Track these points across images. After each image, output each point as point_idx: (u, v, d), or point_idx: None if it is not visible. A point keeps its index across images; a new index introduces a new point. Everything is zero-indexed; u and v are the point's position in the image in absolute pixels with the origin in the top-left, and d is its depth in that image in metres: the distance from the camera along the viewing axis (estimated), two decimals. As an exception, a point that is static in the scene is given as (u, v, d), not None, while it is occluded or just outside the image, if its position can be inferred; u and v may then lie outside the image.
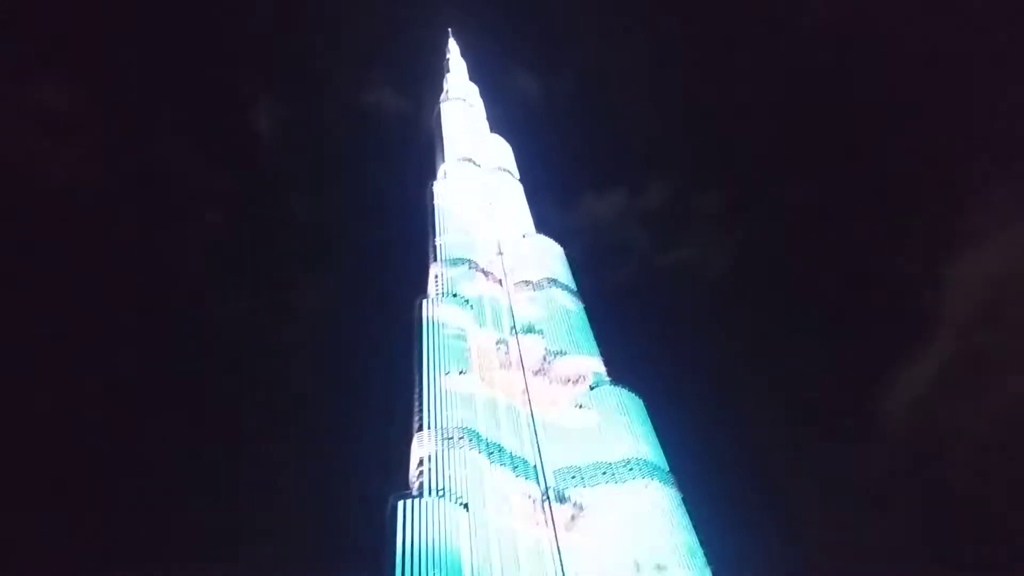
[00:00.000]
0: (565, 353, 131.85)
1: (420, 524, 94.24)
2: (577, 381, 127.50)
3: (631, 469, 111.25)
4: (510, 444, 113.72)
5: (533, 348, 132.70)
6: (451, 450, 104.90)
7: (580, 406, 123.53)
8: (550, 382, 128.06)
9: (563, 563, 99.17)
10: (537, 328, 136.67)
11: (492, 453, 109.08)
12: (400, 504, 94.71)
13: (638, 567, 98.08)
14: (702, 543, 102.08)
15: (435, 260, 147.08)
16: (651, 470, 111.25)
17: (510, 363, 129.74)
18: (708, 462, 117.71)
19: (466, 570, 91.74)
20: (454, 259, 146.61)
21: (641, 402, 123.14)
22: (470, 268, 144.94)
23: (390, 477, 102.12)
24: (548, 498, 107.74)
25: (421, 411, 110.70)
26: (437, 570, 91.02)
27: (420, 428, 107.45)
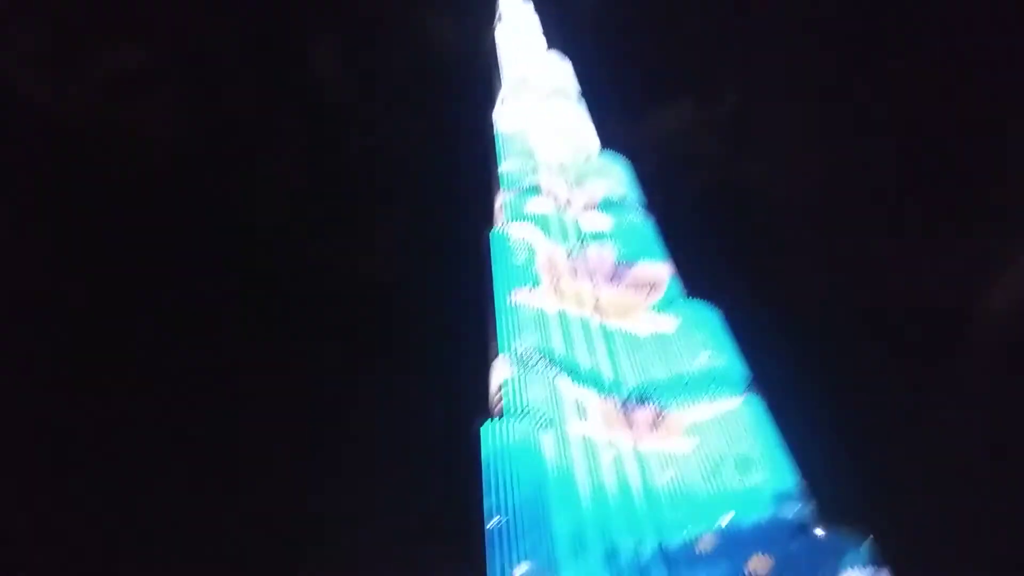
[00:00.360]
0: (637, 262, 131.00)
1: (504, 446, 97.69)
2: (651, 289, 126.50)
3: (711, 379, 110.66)
4: (585, 358, 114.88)
5: (604, 258, 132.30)
6: (528, 372, 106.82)
7: (655, 317, 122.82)
8: (623, 291, 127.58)
9: (646, 467, 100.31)
10: (608, 237, 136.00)
11: (568, 370, 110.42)
12: (483, 429, 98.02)
13: (720, 470, 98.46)
14: (788, 452, 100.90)
15: (500, 188, 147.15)
16: (732, 380, 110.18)
17: (581, 274, 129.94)
18: (790, 373, 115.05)
19: (551, 485, 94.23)
20: (519, 184, 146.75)
21: (718, 313, 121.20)
22: (536, 191, 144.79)
23: (471, 404, 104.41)
24: (628, 408, 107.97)
25: (496, 335, 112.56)
26: (524, 488, 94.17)
27: (496, 352, 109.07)
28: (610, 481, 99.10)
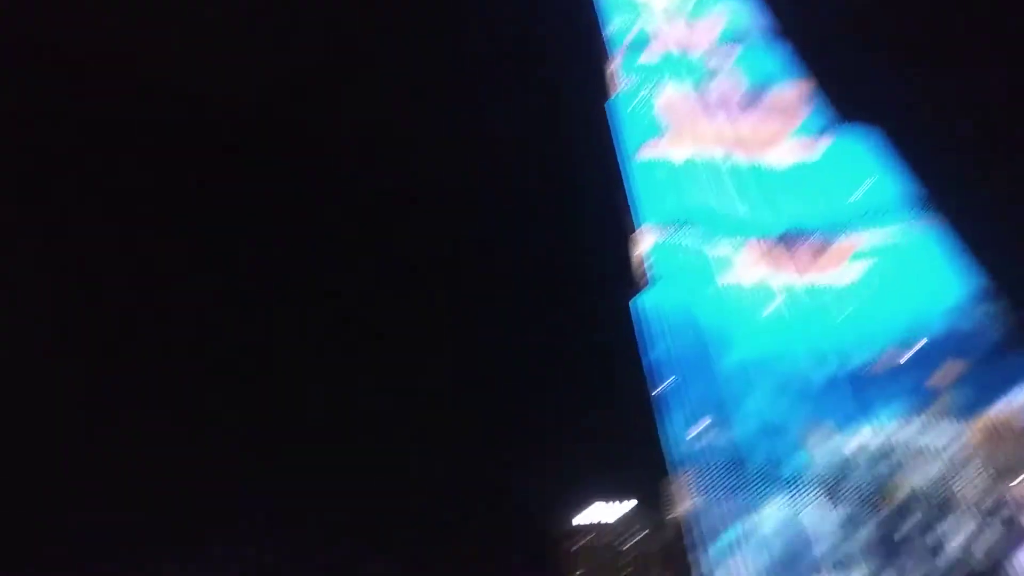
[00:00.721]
0: (770, 88, 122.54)
1: (659, 314, 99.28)
2: (791, 115, 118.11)
3: (874, 204, 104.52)
4: (729, 203, 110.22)
5: (733, 89, 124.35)
6: (670, 233, 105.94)
7: (800, 144, 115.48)
8: (760, 120, 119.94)
9: (814, 298, 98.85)
10: (733, 68, 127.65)
11: (712, 219, 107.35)
12: (633, 303, 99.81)
13: (893, 292, 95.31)
14: (963, 268, 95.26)
15: (612, 52, 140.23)
16: (896, 204, 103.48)
17: (711, 111, 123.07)
18: (958, 190, 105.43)
19: (716, 339, 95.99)
20: (630, 40, 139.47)
21: (870, 136, 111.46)
22: (648, 41, 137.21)
23: (618, 278, 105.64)
24: (786, 243, 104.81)
25: (634, 204, 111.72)
26: (688, 349, 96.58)
27: (636, 223, 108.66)
28: (778, 319, 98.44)
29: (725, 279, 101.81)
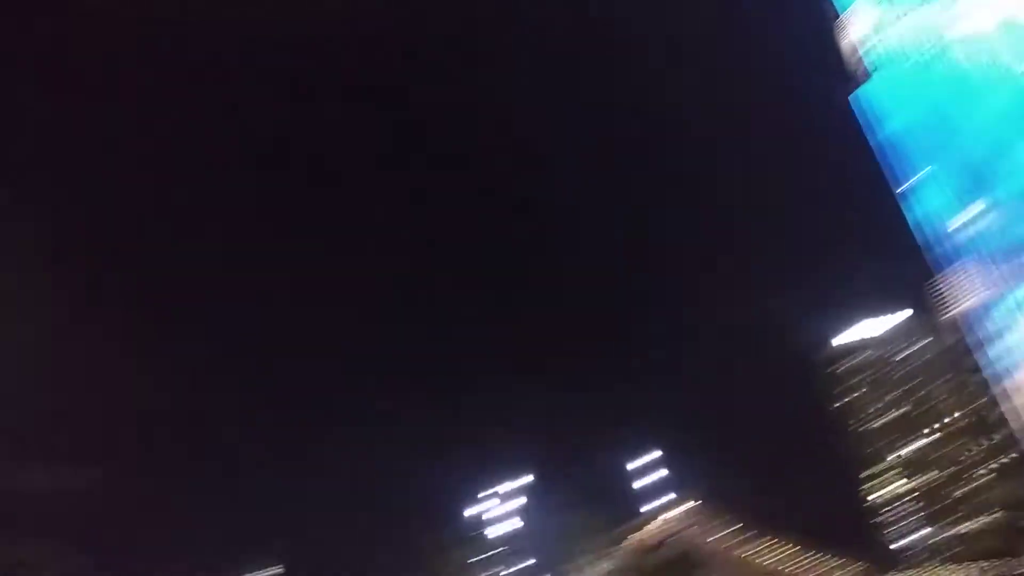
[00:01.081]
0: None
1: (892, 100, 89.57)
2: None
3: None
4: None
5: None
6: (884, 8, 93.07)
7: None
8: None
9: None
10: None
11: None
12: (854, 97, 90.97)
13: None
14: None
15: None
16: None
17: None
18: None
19: (960, 118, 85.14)
20: None
21: None
22: None
23: (833, 70, 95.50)
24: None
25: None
26: (932, 134, 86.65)
27: (840, 6, 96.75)
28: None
29: (962, 37, 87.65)
